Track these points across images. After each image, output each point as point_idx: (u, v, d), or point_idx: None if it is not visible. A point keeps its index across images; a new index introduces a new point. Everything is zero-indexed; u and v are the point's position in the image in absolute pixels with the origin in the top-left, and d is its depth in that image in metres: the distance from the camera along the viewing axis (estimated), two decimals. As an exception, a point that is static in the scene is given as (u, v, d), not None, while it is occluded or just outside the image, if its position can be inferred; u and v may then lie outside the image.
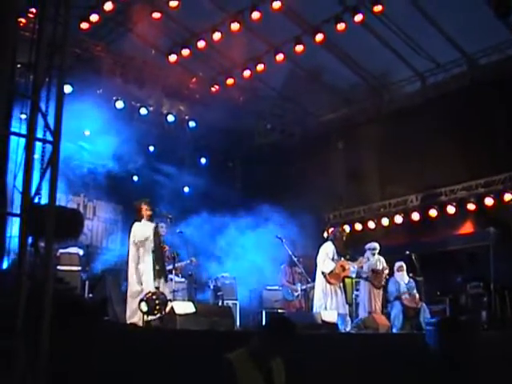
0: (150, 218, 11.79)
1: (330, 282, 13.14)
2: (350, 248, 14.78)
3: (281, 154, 20.10)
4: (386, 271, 14.45)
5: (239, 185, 20.96)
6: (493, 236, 16.00)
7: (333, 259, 13.24)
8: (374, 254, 14.44)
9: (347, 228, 19.08)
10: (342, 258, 13.45)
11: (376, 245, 14.61)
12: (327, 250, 13.38)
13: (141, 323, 10.50)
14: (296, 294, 14.80)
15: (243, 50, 16.59)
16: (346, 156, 19.20)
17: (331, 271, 13.13)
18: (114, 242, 18.45)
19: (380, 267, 14.36)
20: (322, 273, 13.15)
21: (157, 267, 11.36)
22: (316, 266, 13.45)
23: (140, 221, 11.72)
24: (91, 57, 15.96)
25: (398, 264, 14.67)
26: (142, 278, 11.34)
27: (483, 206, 16.61)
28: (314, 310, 13.00)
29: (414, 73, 17.86)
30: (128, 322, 10.95)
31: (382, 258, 14.48)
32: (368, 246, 14.64)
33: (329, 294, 13.07)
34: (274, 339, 5.06)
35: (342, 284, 13.33)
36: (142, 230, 11.58)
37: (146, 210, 11.76)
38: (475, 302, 15.44)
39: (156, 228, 11.73)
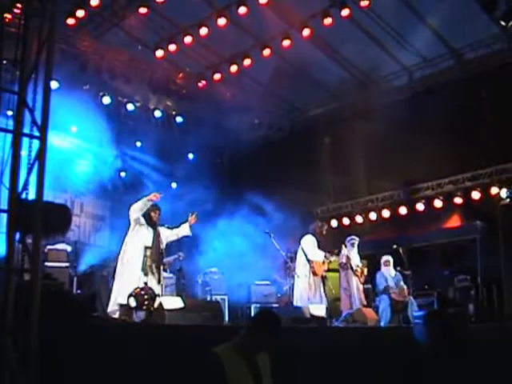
0: (154, 222, 11.84)
1: (315, 273, 13.11)
2: (338, 242, 14.85)
3: (268, 149, 20.13)
4: (365, 270, 14.50)
5: (227, 180, 20.95)
6: (480, 229, 16.13)
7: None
8: (353, 245, 14.44)
9: (334, 222, 19.18)
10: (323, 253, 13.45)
11: (354, 237, 14.64)
12: (312, 240, 13.33)
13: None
14: (285, 288, 14.82)
15: (230, 45, 16.59)
16: (333, 151, 19.21)
17: (319, 261, 13.14)
18: (102, 238, 18.42)
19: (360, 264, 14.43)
20: (309, 262, 13.08)
21: (148, 263, 11.37)
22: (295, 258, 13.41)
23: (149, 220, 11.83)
24: (77, 52, 15.90)
25: (384, 258, 14.68)
26: (124, 265, 11.40)
27: (470, 199, 16.69)
28: (296, 303, 12.92)
29: (401, 67, 17.91)
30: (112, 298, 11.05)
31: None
32: (348, 239, 14.64)
33: (313, 287, 13.05)
34: (259, 333, 5.08)
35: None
36: (140, 218, 11.66)
37: (153, 214, 11.82)
38: (462, 295, 15.54)
39: (157, 231, 11.84)
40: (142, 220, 11.65)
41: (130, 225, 11.72)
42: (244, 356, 5.01)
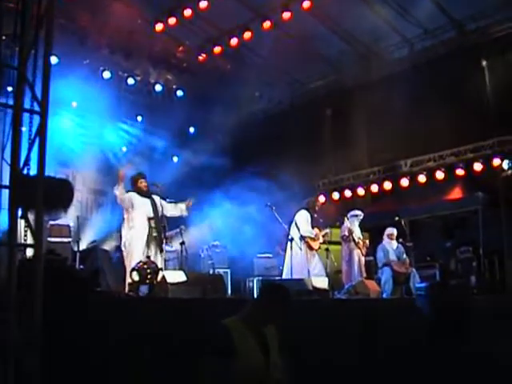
0: (146, 191, 11.91)
1: (311, 247, 13.18)
2: (339, 215, 14.93)
3: (269, 122, 20.09)
4: (367, 242, 14.64)
5: (228, 153, 20.91)
6: (481, 201, 16.15)
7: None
8: (358, 219, 14.56)
9: (336, 195, 19.21)
10: (316, 228, 13.53)
11: (360, 212, 14.71)
12: (306, 215, 13.43)
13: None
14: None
15: (230, 18, 16.47)
16: (334, 123, 19.20)
17: (312, 237, 13.23)
18: (104, 213, 18.43)
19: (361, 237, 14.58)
20: (303, 237, 13.14)
21: (154, 234, 11.51)
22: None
23: (136, 191, 11.83)
24: (77, 27, 15.81)
25: (388, 230, 14.66)
26: (127, 242, 11.54)
27: (472, 171, 16.68)
28: (291, 275, 12.98)
29: (402, 39, 17.80)
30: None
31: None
32: (352, 212, 14.69)
33: (313, 260, 13.14)
34: (269, 306, 5.08)
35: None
36: (130, 197, 11.70)
37: (141, 182, 11.88)
38: (464, 266, 15.59)
39: (153, 198, 11.91)
40: (133, 200, 11.75)
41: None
42: (252, 329, 5.02)
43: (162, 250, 11.68)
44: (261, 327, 5.10)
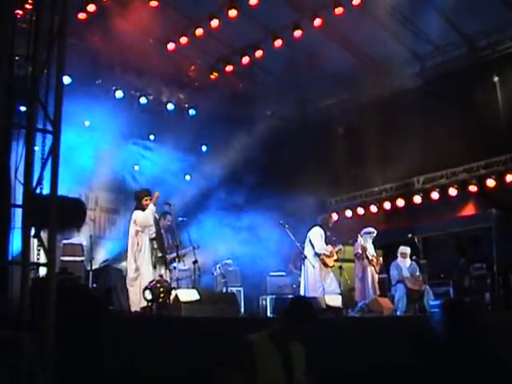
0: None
1: (326, 264, 13.18)
2: (352, 233, 14.91)
3: (281, 140, 20.08)
4: (381, 259, 14.64)
5: (240, 171, 20.91)
6: (495, 217, 16.04)
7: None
8: (371, 237, 14.55)
9: (349, 212, 19.17)
10: (329, 245, 13.55)
11: (373, 229, 14.69)
12: (320, 232, 13.46)
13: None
14: (299, 279, 14.87)
15: (241, 37, 16.54)
16: (346, 140, 19.18)
17: (327, 254, 13.25)
18: (117, 231, 18.44)
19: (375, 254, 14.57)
20: (318, 255, 13.16)
21: (159, 254, 11.48)
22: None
23: (141, 209, 11.78)
24: (89, 47, 15.89)
25: (402, 249, 14.65)
26: (139, 265, 11.44)
27: (485, 187, 16.60)
28: (305, 293, 12.98)
29: (413, 55, 17.80)
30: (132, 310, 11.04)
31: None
32: (365, 230, 14.68)
33: (328, 277, 13.15)
34: (298, 323, 5.08)
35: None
36: (144, 218, 11.64)
37: (145, 200, 11.82)
38: (479, 283, 15.47)
39: (156, 217, 11.86)
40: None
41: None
42: (277, 346, 5.02)
43: (166, 267, 11.66)
44: (287, 344, 5.09)
